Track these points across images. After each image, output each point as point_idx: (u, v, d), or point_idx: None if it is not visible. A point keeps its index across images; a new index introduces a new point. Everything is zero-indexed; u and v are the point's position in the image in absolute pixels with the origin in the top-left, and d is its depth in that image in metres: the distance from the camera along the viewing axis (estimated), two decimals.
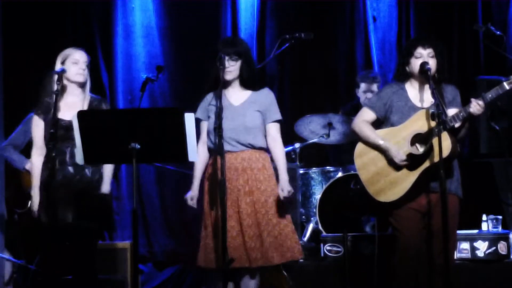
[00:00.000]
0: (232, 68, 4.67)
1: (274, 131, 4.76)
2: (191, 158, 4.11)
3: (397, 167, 4.59)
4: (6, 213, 6.34)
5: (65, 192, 4.70)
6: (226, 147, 4.57)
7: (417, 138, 4.57)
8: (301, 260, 5.96)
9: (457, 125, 4.52)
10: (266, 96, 4.78)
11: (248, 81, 4.74)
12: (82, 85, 4.83)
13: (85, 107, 4.79)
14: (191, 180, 4.77)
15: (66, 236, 4.69)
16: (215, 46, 4.72)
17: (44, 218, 4.70)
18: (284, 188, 4.63)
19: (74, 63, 4.77)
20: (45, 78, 4.83)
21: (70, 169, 4.72)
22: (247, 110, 4.71)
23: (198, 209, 4.74)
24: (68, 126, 4.67)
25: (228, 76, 4.66)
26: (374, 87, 6.68)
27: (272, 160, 4.80)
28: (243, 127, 4.67)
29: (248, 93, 4.77)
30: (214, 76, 4.66)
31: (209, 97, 4.78)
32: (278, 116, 4.78)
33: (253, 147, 4.70)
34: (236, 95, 4.74)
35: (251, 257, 4.59)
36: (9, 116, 6.59)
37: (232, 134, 4.64)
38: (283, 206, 4.69)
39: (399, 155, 4.56)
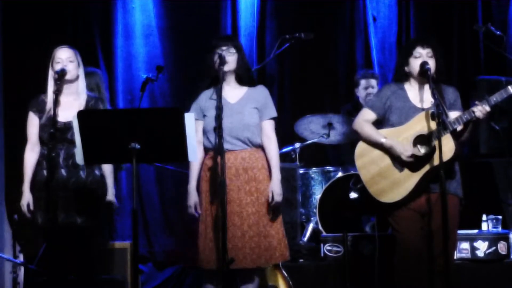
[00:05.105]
0: (229, 59, 4.65)
1: (269, 128, 4.75)
2: (191, 158, 4.11)
3: (399, 167, 4.58)
4: (6, 213, 6.34)
5: (62, 193, 4.69)
6: (226, 145, 4.54)
7: (419, 139, 4.56)
8: (301, 260, 5.98)
9: (459, 128, 4.52)
10: (262, 93, 4.77)
11: (244, 77, 4.73)
12: (72, 82, 4.81)
13: (81, 106, 4.77)
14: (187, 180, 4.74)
15: (65, 237, 4.68)
16: (211, 44, 4.71)
17: (40, 219, 4.69)
18: (275, 190, 4.63)
19: (57, 63, 4.76)
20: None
21: (63, 171, 4.71)
22: (244, 108, 4.70)
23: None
24: (63, 128, 4.66)
25: (225, 67, 4.62)
26: (373, 82, 6.68)
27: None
28: (241, 125, 4.65)
29: (243, 90, 4.75)
30: (211, 74, 4.66)
31: (203, 96, 4.76)
32: (274, 113, 4.77)
33: (251, 143, 4.68)
34: (231, 93, 4.73)
35: (253, 257, 4.59)
36: (9, 116, 6.60)
37: (231, 132, 4.63)
38: (279, 207, 4.69)
39: (406, 151, 4.53)
